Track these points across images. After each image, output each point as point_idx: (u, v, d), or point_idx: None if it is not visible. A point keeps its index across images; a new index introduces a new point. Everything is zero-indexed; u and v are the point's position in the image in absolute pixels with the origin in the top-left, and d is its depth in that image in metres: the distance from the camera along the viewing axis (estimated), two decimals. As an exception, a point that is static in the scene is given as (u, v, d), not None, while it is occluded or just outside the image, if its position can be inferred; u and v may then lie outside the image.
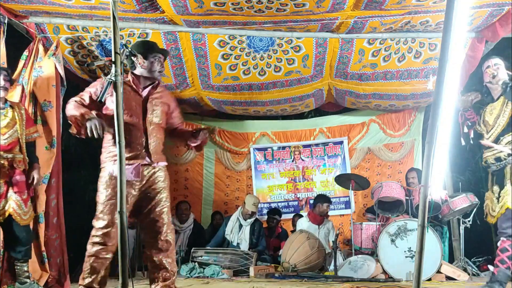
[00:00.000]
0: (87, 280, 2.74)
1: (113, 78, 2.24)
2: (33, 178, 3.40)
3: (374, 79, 5.12)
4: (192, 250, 4.97)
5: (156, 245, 2.86)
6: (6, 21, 3.77)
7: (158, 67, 2.96)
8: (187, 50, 4.57)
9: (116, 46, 2.19)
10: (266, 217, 6.06)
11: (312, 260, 4.66)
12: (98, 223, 2.77)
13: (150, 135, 2.90)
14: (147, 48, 2.96)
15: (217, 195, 6.67)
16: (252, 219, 5.47)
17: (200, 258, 4.89)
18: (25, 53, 3.90)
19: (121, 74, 2.28)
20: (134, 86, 2.92)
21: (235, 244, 5.37)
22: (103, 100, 2.43)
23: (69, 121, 2.76)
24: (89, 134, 2.62)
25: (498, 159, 3.15)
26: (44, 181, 3.71)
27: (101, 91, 2.46)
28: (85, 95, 2.84)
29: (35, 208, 3.65)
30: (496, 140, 3.16)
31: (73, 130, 2.74)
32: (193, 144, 3.09)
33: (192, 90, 5.24)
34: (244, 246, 5.34)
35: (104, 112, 2.84)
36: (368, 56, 4.74)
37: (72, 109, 2.74)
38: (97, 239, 2.76)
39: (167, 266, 2.87)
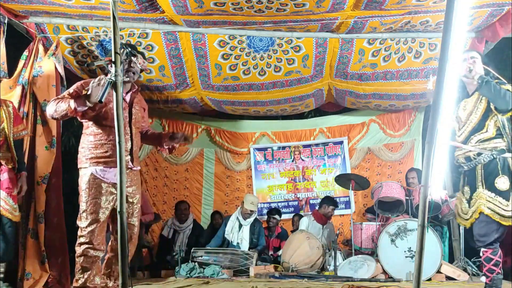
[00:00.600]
0: (80, 281, 2.79)
1: (113, 78, 2.24)
2: (21, 188, 3.34)
3: (374, 79, 5.12)
4: (192, 250, 4.97)
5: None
6: (6, 21, 3.77)
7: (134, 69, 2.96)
8: (187, 50, 4.57)
9: (116, 46, 2.19)
10: (266, 217, 6.06)
11: (312, 260, 4.66)
12: (82, 222, 2.82)
13: (134, 140, 2.98)
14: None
15: (217, 195, 6.67)
16: (252, 219, 5.47)
17: (200, 258, 4.89)
18: (25, 53, 3.90)
19: (121, 74, 2.28)
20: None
21: (235, 244, 5.37)
22: (103, 100, 2.43)
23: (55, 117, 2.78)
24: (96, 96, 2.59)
25: (468, 159, 2.97)
26: (44, 181, 3.71)
27: (101, 91, 2.46)
28: (65, 95, 2.86)
29: (35, 208, 3.65)
30: (467, 138, 2.98)
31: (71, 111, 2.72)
32: (165, 147, 3.18)
33: (192, 90, 5.24)
34: (244, 246, 5.34)
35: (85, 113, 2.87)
36: (368, 56, 4.74)
37: (61, 104, 2.74)
38: (83, 239, 2.81)
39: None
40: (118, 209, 2.18)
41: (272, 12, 3.90)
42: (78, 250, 2.81)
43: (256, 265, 4.78)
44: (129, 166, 2.93)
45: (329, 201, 5.57)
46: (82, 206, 2.83)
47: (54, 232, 3.80)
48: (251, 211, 5.41)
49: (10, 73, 3.82)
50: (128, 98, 2.99)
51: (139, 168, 3.08)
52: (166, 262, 5.15)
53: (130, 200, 2.97)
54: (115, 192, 2.85)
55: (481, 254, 2.96)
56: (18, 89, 3.78)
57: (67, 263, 3.85)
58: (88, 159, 2.87)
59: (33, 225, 3.64)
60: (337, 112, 6.64)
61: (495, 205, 2.83)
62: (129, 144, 2.95)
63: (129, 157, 2.93)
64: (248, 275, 4.64)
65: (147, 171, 6.41)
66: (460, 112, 3.07)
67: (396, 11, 3.98)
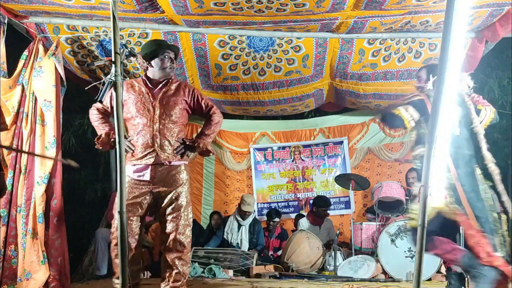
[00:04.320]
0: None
1: (113, 78, 2.24)
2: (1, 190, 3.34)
3: (374, 79, 5.12)
4: (192, 250, 4.97)
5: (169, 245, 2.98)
6: (6, 21, 3.77)
7: (168, 64, 2.98)
8: (187, 50, 4.57)
9: (116, 46, 2.19)
10: (265, 217, 6.06)
11: (312, 260, 4.67)
12: None
13: (165, 134, 2.95)
14: (156, 47, 2.99)
15: (217, 195, 6.67)
16: (251, 219, 5.48)
17: (200, 258, 4.89)
18: (25, 53, 3.89)
19: (121, 74, 2.28)
20: (146, 88, 2.99)
21: (234, 244, 5.37)
22: (103, 100, 2.43)
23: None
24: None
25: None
26: (44, 181, 3.71)
27: (101, 91, 2.46)
28: (107, 100, 2.95)
29: (35, 208, 3.65)
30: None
31: (98, 146, 2.90)
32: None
33: (192, 90, 5.24)
34: (244, 246, 5.35)
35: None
36: (368, 56, 4.74)
37: (96, 123, 2.99)
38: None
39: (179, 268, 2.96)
40: (118, 209, 2.18)
41: (272, 12, 3.90)
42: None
43: (256, 265, 4.78)
44: (159, 162, 2.92)
45: (321, 202, 5.58)
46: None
47: (54, 232, 3.80)
48: (248, 212, 5.42)
49: (10, 73, 3.82)
50: (158, 93, 2.99)
51: (180, 163, 3.04)
52: (166, 262, 5.14)
53: (168, 195, 2.98)
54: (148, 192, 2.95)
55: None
56: (18, 89, 3.78)
57: (67, 263, 3.85)
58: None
59: (33, 225, 3.63)
60: (337, 112, 6.64)
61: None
62: (158, 139, 2.92)
63: (154, 153, 2.92)
64: (248, 275, 4.64)
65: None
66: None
67: (396, 11, 3.98)
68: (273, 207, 6.37)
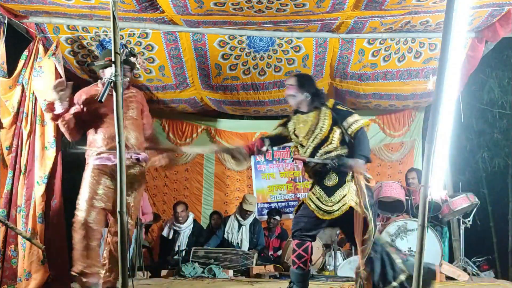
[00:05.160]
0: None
1: (113, 78, 2.24)
2: None
3: (374, 79, 5.12)
4: (192, 250, 4.97)
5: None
6: (6, 21, 3.77)
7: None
8: (187, 50, 4.57)
9: (116, 46, 2.19)
10: (265, 217, 6.05)
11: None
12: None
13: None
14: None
15: (217, 195, 6.66)
16: (251, 219, 5.48)
17: (200, 258, 4.89)
18: (25, 53, 3.90)
19: (121, 74, 2.28)
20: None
21: (235, 244, 5.37)
22: (103, 100, 2.44)
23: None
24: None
25: (316, 173, 3.12)
26: (44, 181, 3.71)
27: (102, 91, 2.46)
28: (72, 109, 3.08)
29: (35, 208, 3.65)
30: (313, 152, 3.07)
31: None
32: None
33: (192, 90, 5.24)
34: (244, 246, 5.35)
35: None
36: (368, 56, 4.74)
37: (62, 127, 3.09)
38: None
39: None
40: (118, 209, 2.18)
41: (272, 12, 3.90)
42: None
43: (256, 265, 4.78)
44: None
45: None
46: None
47: (54, 232, 3.80)
48: (249, 211, 5.42)
49: (10, 73, 3.82)
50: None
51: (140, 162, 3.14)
52: (166, 262, 5.15)
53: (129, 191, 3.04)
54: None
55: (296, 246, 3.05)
56: (18, 89, 3.78)
57: (67, 263, 3.85)
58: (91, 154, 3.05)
59: (33, 225, 3.63)
60: (337, 112, 6.63)
61: (317, 197, 2.98)
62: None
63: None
64: (248, 275, 4.64)
65: (147, 171, 6.38)
66: (295, 129, 3.19)
67: (396, 11, 3.98)
68: (273, 207, 6.37)
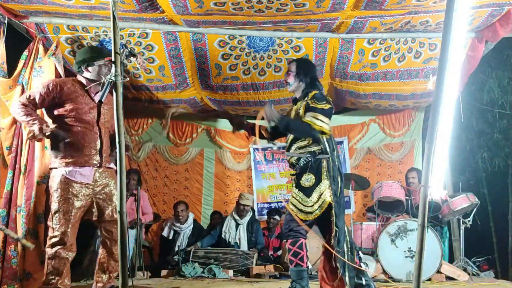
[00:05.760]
0: (51, 283, 2.90)
1: (113, 78, 2.25)
2: None
3: (374, 79, 5.12)
4: (192, 250, 4.97)
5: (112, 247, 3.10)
6: (6, 21, 3.77)
7: (105, 71, 3.03)
8: (187, 50, 4.57)
9: (116, 46, 2.20)
10: (265, 217, 6.06)
11: (312, 260, 4.66)
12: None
13: (103, 139, 3.08)
14: (94, 54, 3.09)
15: (217, 195, 6.66)
16: (248, 217, 5.48)
17: (200, 258, 4.89)
18: (25, 53, 3.90)
19: (121, 74, 2.28)
20: (85, 90, 3.07)
21: (233, 243, 5.37)
22: (103, 100, 2.44)
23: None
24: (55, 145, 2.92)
25: (292, 165, 3.16)
26: (44, 181, 3.71)
27: (102, 91, 2.47)
28: (36, 96, 2.96)
29: (35, 208, 3.65)
30: (290, 146, 3.13)
31: (29, 134, 2.88)
32: None
33: (192, 90, 5.24)
34: (243, 245, 5.35)
35: (55, 113, 3.01)
36: (368, 56, 4.74)
37: (22, 115, 2.89)
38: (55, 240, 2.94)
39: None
40: (118, 209, 2.18)
41: (272, 12, 3.90)
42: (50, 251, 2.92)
43: (256, 265, 4.78)
44: (98, 165, 3.04)
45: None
46: (55, 206, 2.96)
47: (54, 232, 3.80)
48: (246, 206, 5.42)
49: (10, 73, 3.82)
50: (97, 98, 2.99)
51: (113, 167, 3.16)
52: (166, 262, 5.15)
53: (110, 198, 3.06)
54: (87, 193, 3.01)
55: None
56: (18, 89, 3.78)
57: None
58: (60, 161, 3.00)
59: (33, 225, 3.63)
60: (337, 112, 6.61)
61: (298, 200, 2.99)
62: (98, 143, 3.04)
63: (98, 157, 3.03)
64: (248, 275, 4.64)
65: (147, 171, 6.41)
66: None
67: (396, 11, 3.98)
68: (273, 207, 6.37)
